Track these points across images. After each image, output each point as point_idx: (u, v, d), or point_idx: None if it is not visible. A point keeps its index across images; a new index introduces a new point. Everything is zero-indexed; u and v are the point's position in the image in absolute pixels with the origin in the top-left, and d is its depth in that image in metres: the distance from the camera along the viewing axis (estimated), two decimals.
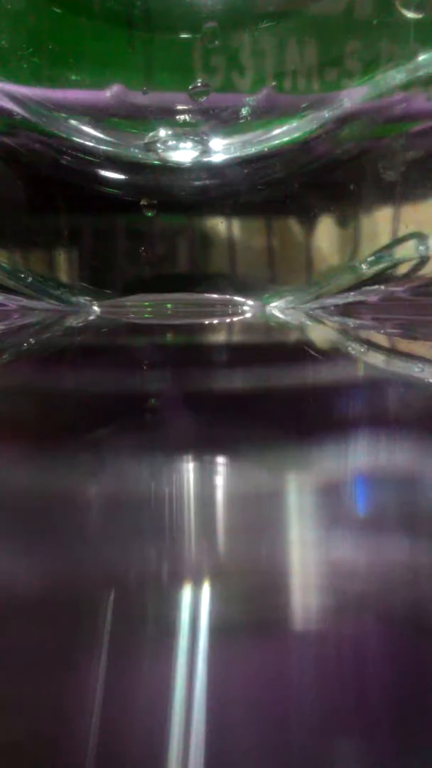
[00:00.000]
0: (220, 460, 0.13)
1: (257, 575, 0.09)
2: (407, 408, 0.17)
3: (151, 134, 0.27)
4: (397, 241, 0.28)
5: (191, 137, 0.27)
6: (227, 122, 0.27)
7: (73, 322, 0.28)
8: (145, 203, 0.28)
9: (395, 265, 0.28)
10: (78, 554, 0.09)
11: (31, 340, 0.25)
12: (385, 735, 0.06)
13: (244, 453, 0.13)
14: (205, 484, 0.12)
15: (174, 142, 0.27)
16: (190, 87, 0.26)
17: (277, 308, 0.30)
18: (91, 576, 0.09)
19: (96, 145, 0.27)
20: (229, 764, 0.06)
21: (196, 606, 0.08)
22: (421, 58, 0.26)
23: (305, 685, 0.07)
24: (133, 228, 0.29)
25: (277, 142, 0.27)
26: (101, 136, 0.27)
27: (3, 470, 0.12)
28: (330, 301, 0.30)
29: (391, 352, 0.24)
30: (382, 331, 0.27)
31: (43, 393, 0.18)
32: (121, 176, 0.28)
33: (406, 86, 0.26)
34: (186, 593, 0.08)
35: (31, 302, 0.30)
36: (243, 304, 0.30)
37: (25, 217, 0.29)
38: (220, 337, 0.27)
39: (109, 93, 0.27)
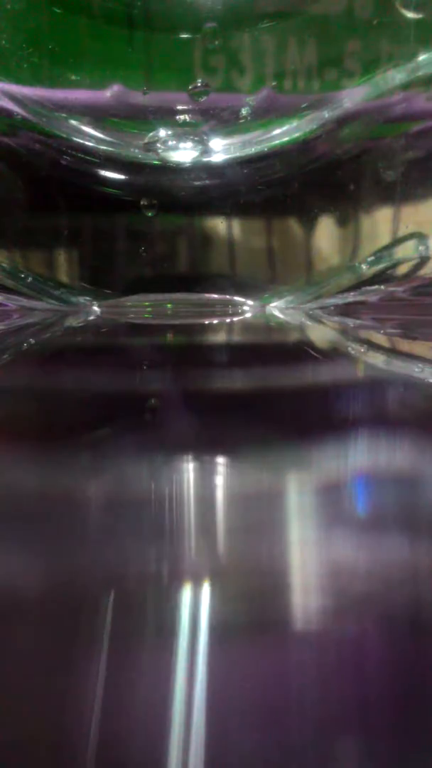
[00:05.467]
0: (220, 460, 0.13)
1: (257, 576, 0.09)
2: (407, 408, 0.17)
3: (151, 134, 0.27)
4: (397, 241, 0.28)
5: (191, 137, 0.27)
6: (227, 122, 0.27)
7: (73, 322, 0.28)
8: (145, 203, 0.28)
9: (395, 265, 0.28)
10: (78, 554, 0.09)
11: (31, 340, 0.25)
12: (386, 736, 0.06)
13: (244, 453, 0.13)
14: (205, 484, 0.12)
15: (174, 142, 0.27)
16: (190, 87, 0.26)
17: (277, 308, 0.30)
18: (91, 576, 0.09)
19: (96, 145, 0.27)
20: (230, 765, 0.06)
21: (196, 606, 0.08)
22: (421, 58, 0.26)
23: (306, 686, 0.07)
24: (133, 228, 0.29)
25: (277, 142, 0.27)
26: (101, 136, 0.27)
27: (3, 470, 0.12)
28: (330, 301, 0.30)
29: (391, 352, 0.24)
30: (382, 331, 0.27)
31: (43, 393, 0.18)
32: (121, 176, 0.28)
33: (406, 86, 0.26)
34: (186, 594, 0.08)
35: (31, 302, 0.30)
36: (243, 304, 0.30)
37: (25, 217, 0.29)
38: (220, 337, 0.27)
39: (109, 93, 0.27)
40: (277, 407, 0.17)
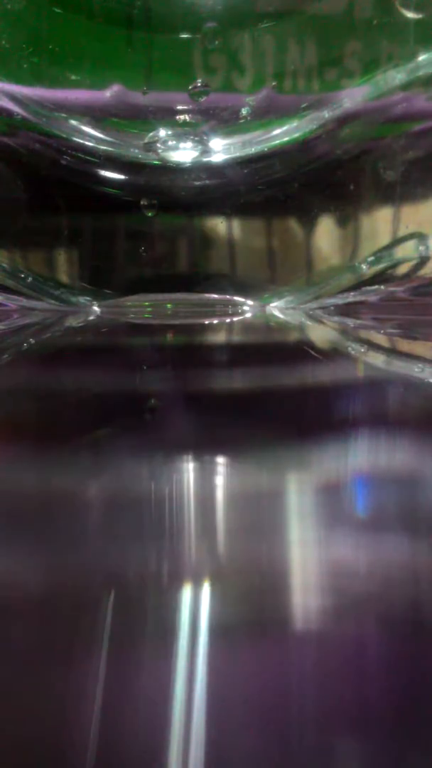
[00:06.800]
0: (220, 460, 0.13)
1: (257, 576, 0.09)
2: (407, 408, 0.17)
3: (151, 134, 0.27)
4: (397, 241, 0.28)
5: (191, 137, 0.27)
6: (227, 122, 0.27)
7: (73, 322, 0.28)
8: (145, 203, 0.28)
9: (395, 265, 0.28)
10: (78, 554, 0.09)
11: (31, 340, 0.25)
12: (386, 736, 0.06)
13: (244, 453, 0.13)
14: (205, 484, 0.12)
15: (174, 142, 0.27)
16: (190, 87, 0.26)
17: (277, 308, 0.30)
18: (90, 576, 0.09)
19: (96, 145, 0.27)
20: (230, 765, 0.06)
21: (196, 606, 0.08)
22: (421, 58, 0.26)
23: (306, 687, 0.07)
24: (133, 228, 0.29)
25: (277, 142, 0.27)
26: (101, 136, 0.27)
27: (3, 470, 0.12)
28: (330, 301, 0.30)
29: (391, 352, 0.24)
30: (382, 331, 0.27)
31: (43, 393, 0.18)
32: (121, 176, 0.28)
33: (406, 86, 0.26)
34: (186, 594, 0.08)
35: (31, 302, 0.30)
36: (243, 304, 0.30)
37: (25, 217, 0.29)
38: (220, 337, 0.27)
39: (109, 93, 0.27)
40: (277, 407, 0.17)
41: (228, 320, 0.29)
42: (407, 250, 0.28)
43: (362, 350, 0.23)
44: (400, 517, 0.10)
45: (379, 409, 0.17)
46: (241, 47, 0.26)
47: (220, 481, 0.12)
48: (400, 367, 0.21)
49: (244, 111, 0.27)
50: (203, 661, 0.07)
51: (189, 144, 0.27)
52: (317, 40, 0.26)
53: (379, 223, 0.28)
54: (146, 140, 0.27)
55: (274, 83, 0.26)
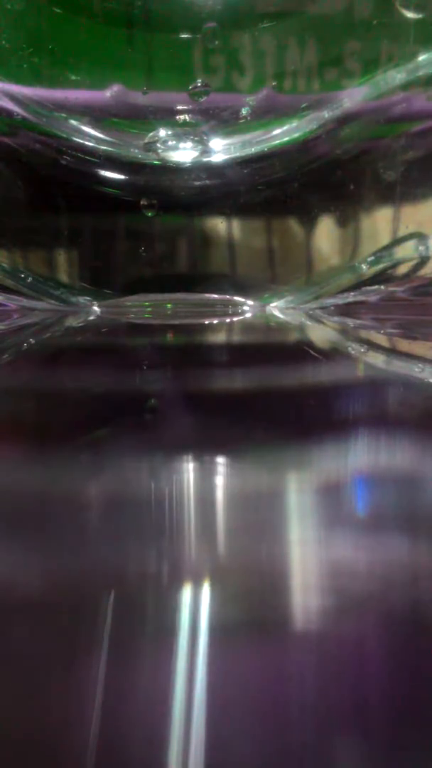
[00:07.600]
0: (220, 460, 0.13)
1: (257, 575, 0.09)
2: (407, 408, 0.17)
3: (151, 134, 0.27)
4: (397, 241, 0.28)
5: (191, 137, 0.27)
6: (227, 122, 0.27)
7: (73, 322, 0.28)
8: (145, 203, 0.28)
9: (395, 265, 0.28)
10: (78, 554, 0.09)
11: (31, 340, 0.25)
12: (386, 736, 0.06)
13: (243, 453, 0.13)
14: (205, 484, 0.12)
15: (174, 142, 0.27)
16: (190, 87, 0.26)
17: (277, 308, 0.30)
18: (90, 576, 0.09)
19: (96, 145, 0.27)
20: (230, 765, 0.06)
21: (196, 607, 0.08)
22: (421, 58, 0.26)
23: (306, 687, 0.07)
24: (133, 228, 0.29)
25: (277, 142, 0.27)
26: (101, 136, 0.27)
27: (3, 470, 0.12)
28: (330, 301, 0.30)
29: (391, 352, 0.24)
30: (382, 331, 0.27)
31: (43, 393, 0.18)
32: (121, 176, 0.28)
33: (406, 86, 0.26)
34: (186, 594, 0.08)
35: (31, 302, 0.30)
36: (243, 304, 0.30)
37: (25, 217, 0.29)
38: (220, 337, 0.27)
39: (109, 93, 0.27)
40: (277, 407, 0.17)
41: (228, 320, 0.29)
42: (407, 250, 0.28)
43: (362, 350, 0.23)
44: (400, 517, 0.10)
45: (378, 410, 0.17)
46: (241, 47, 0.26)
47: (220, 481, 0.12)
48: (400, 367, 0.21)
49: (244, 111, 0.27)
50: (203, 660, 0.07)
51: (189, 144, 0.27)
52: (317, 40, 0.26)
53: (379, 223, 0.28)
54: (146, 140, 0.27)
55: (274, 83, 0.26)
